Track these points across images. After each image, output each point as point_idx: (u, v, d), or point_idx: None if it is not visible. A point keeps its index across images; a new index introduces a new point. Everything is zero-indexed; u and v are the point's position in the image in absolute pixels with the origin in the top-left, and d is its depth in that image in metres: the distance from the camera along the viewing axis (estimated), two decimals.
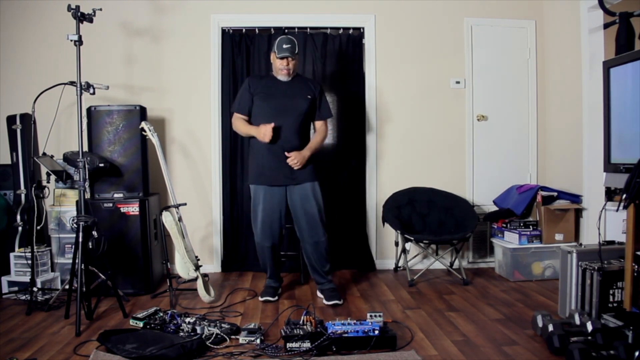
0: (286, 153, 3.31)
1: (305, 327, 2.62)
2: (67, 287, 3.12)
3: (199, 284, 3.36)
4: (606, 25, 3.66)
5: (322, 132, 3.52)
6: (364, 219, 4.42)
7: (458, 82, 4.40)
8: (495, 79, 4.44)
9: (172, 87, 4.28)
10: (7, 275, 3.66)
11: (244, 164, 4.31)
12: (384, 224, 4.21)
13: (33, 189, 3.47)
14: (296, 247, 4.00)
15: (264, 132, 3.24)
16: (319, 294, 3.54)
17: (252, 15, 4.30)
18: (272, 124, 3.23)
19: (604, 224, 3.34)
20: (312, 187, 3.38)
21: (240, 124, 3.45)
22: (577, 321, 2.64)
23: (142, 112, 3.77)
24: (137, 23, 4.23)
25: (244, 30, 4.32)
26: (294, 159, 3.29)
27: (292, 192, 3.38)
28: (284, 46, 3.32)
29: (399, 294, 3.62)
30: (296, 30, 4.29)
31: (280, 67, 3.37)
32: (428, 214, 4.21)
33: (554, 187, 4.13)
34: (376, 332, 2.54)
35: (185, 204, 3.55)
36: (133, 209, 3.64)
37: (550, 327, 2.53)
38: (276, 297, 3.48)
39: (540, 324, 2.70)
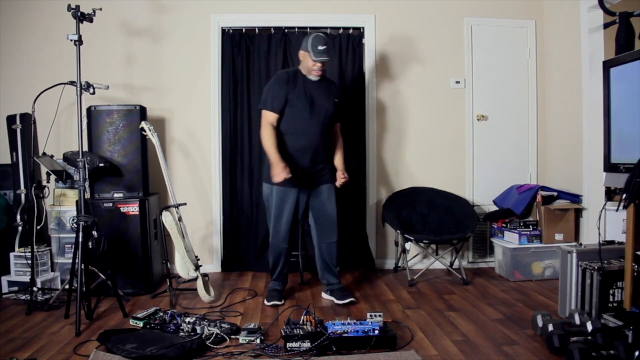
0: (341, 174, 3.41)
1: (305, 327, 2.62)
2: (67, 287, 3.12)
3: (199, 283, 3.36)
4: (606, 25, 3.66)
5: (341, 141, 3.54)
6: (364, 219, 4.42)
7: (458, 82, 4.40)
8: (495, 79, 4.43)
9: (172, 87, 4.28)
10: (7, 275, 3.66)
11: (244, 164, 4.31)
12: (384, 224, 4.21)
13: (33, 188, 3.46)
14: (296, 247, 4.00)
15: (278, 174, 3.17)
16: (326, 295, 3.50)
17: (252, 15, 4.29)
18: (289, 175, 3.18)
19: (604, 223, 3.34)
20: (333, 188, 3.44)
21: (269, 140, 3.25)
22: (577, 321, 2.64)
23: (142, 112, 3.77)
24: (137, 23, 4.23)
25: (244, 30, 4.31)
26: (346, 180, 3.42)
27: (316, 192, 3.40)
28: (320, 48, 3.22)
29: (399, 294, 3.62)
30: (296, 30, 4.29)
31: (315, 69, 3.28)
32: (428, 214, 4.21)
33: (554, 187, 4.13)
34: (376, 332, 2.54)
35: (185, 204, 3.56)
36: (133, 208, 3.64)
37: (550, 327, 2.53)
38: (283, 301, 3.41)
39: (540, 324, 2.70)
